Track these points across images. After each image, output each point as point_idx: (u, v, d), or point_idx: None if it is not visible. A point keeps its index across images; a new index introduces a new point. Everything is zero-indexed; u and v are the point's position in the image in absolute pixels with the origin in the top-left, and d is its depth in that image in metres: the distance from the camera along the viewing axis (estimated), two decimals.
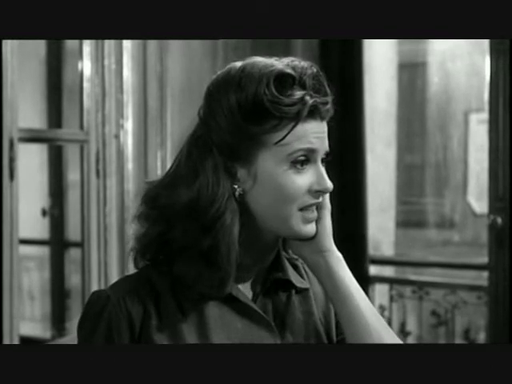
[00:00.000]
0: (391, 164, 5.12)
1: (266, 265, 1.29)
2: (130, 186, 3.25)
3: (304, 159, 1.21)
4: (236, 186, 1.22)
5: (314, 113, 1.21)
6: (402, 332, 4.01)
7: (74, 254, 4.62)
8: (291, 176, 1.21)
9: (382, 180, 4.97)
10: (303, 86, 1.20)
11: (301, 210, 1.22)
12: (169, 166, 1.28)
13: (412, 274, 4.67)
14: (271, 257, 1.29)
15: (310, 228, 1.24)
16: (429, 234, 6.83)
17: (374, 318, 1.24)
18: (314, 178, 1.22)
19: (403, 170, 6.24)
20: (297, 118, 1.19)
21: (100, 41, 3.17)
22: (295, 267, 1.34)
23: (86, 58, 3.18)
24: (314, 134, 1.21)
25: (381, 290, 4.12)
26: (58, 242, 4.87)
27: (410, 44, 5.85)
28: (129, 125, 3.26)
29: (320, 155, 1.23)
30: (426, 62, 6.47)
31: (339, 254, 1.27)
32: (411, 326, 4.23)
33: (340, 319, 1.26)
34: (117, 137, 3.23)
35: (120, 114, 3.23)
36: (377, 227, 4.77)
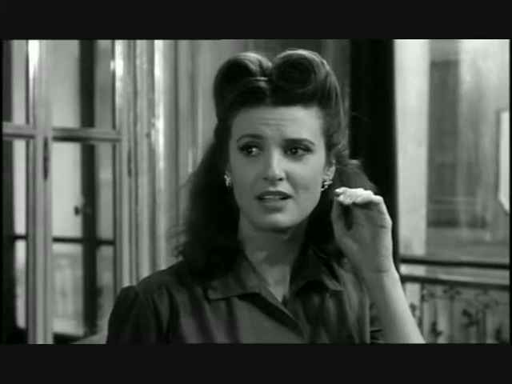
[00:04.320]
0: (422, 163, 5.10)
1: (289, 264, 1.27)
2: (162, 184, 3.27)
3: (252, 146, 1.19)
4: (226, 176, 1.25)
5: (260, 98, 1.18)
6: (433, 332, 3.99)
7: (105, 251, 4.65)
8: (240, 163, 1.20)
9: (413, 179, 4.95)
10: (264, 74, 1.19)
11: (259, 199, 1.18)
12: (197, 169, 1.31)
13: (443, 274, 4.64)
14: (291, 255, 1.27)
15: (274, 218, 1.18)
16: (460, 234, 6.80)
17: (418, 343, 1.23)
18: (263, 165, 1.18)
19: (434, 168, 6.21)
20: (234, 105, 1.20)
21: (132, 40, 3.19)
22: (330, 268, 1.31)
23: (118, 57, 3.21)
24: (262, 120, 1.18)
25: (412, 290, 4.10)
26: (90, 240, 4.91)
27: (442, 42, 5.82)
28: (160, 124, 3.28)
29: (274, 143, 1.18)
30: (458, 60, 6.43)
31: (397, 275, 1.24)
32: (442, 325, 4.20)
33: (386, 338, 1.25)
34: (148, 136, 3.25)
35: (151, 112, 3.25)
36: (408, 226, 4.75)
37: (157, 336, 1.21)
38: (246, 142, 1.19)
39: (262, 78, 1.18)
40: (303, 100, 1.19)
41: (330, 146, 1.23)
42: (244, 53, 1.22)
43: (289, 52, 1.20)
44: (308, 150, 1.19)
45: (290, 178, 1.18)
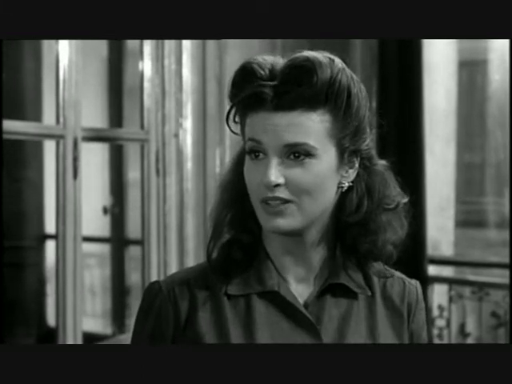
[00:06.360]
0: (450, 163, 5.07)
1: (315, 266, 1.26)
2: (189, 184, 3.28)
3: (256, 150, 1.18)
4: None
5: (262, 103, 1.16)
6: (462, 333, 3.96)
7: (134, 251, 4.68)
8: (247, 167, 1.20)
9: (441, 179, 4.92)
10: (271, 78, 1.16)
11: (263, 202, 1.18)
12: (227, 164, 1.32)
13: (471, 275, 4.61)
14: (317, 256, 1.25)
15: (275, 222, 1.18)
16: (489, 234, 6.75)
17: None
18: (264, 171, 1.17)
19: (462, 169, 6.17)
20: (242, 109, 1.20)
21: (160, 41, 3.21)
22: (366, 275, 1.28)
23: (146, 58, 3.22)
24: (262, 125, 1.17)
25: (440, 291, 4.08)
26: (118, 240, 4.95)
27: (470, 41, 5.78)
28: (188, 124, 3.29)
29: (272, 149, 1.16)
30: (487, 59, 6.39)
31: None
32: (471, 327, 4.18)
33: None
34: (176, 136, 3.26)
35: (179, 113, 3.27)
36: (436, 227, 4.73)
37: (174, 329, 1.24)
38: (250, 147, 1.19)
39: (267, 83, 1.16)
40: (304, 103, 1.15)
41: (342, 148, 1.19)
42: (258, 56, 1.20)
43: (296, 54, 1.18)
44: (309, 154, 1.16)
45: (289, 184, 1.17)
